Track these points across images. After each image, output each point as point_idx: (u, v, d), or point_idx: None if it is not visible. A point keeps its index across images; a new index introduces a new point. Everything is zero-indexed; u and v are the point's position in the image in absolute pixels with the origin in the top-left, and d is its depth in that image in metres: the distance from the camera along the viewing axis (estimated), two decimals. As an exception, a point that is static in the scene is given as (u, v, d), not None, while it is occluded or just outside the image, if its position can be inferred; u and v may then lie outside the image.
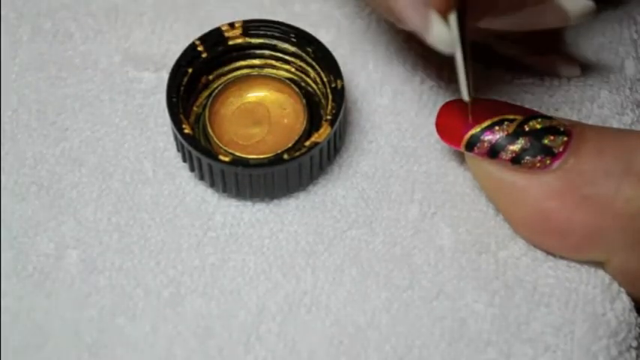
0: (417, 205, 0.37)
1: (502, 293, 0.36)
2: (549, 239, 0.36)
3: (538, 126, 0.35)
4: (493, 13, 0.34)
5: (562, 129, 0.35)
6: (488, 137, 0.35)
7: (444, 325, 0.35)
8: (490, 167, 0.36)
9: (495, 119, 0.35)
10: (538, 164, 0.35)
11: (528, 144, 0.35)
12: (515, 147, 0.35)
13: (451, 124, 0.36)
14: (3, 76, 0.40)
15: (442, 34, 0.30)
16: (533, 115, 0.36)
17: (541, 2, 0.34)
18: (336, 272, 0.36)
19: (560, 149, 0.35)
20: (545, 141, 0.35)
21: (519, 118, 0.35)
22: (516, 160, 0.35)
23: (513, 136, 0.35)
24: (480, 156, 0.36)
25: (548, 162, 0.35)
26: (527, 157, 0.35)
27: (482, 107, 0.36)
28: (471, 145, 0.36)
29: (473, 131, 0.35)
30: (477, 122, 0.35)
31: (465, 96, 0.33)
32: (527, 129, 0.35)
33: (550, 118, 0.36)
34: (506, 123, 0.35)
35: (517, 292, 0.36)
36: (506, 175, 0.35)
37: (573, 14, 0.35)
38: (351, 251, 0.37)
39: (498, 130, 0.35)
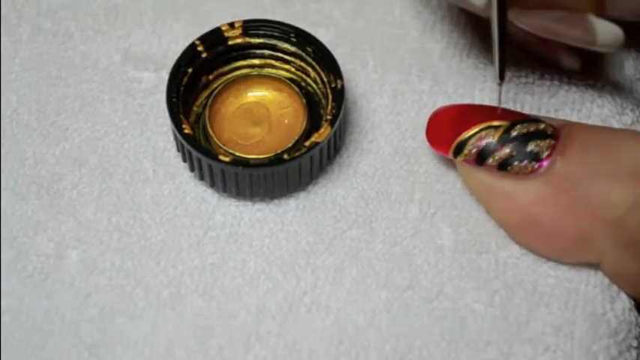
0: (417, 205, 0.37)
1: (502, 293, 0.36)
2: (540, 244, 0.36)
3: (524, 131, 0.35)
4: (523, 5, 0.34)
5: (549, 132, 0.35)
6: (476, 144, 0.35)
7: (444, 325, 0.35)
8: (479, 173, 0.36)
9: (482, 126, 0.35)
10: (525, 170, 0.35)
11: (514, 150, 0.35)
12: (502, 153, 0.35)
13: (439, 131, 0.36)
14: (3, 76, 0.40)
15: None
16: (520, 120, 0.35)
17: (571, 9, 0.34)
18: (336, 272, 0.36)
19: (547, 153, 0.35)
20: (532, 146, 0.35)
21: (505, 124, 0.35)
22: (503, 166, 0.35)
23: (499, 143, 0.35)
24: (467, 163, 0.36)
25: (535, 167, 0.35)
26: (514, 163, 0.35)
27: (470, 113, 0.36)
28: (458, 152, 0.36)
29: (460, 138, 0.36)
30: (464, 129, 0.35)
31: (497, 77, 0.33)
32: (513, 135, 0.35)
33: (537, 121, 0.35)
34: (492, 129, 0.35)
35: (517, 292, 0.36)
36: (495, 181, 0.35)
37: (602, 39, 0.34)
38: (351, 251, 0.37)
39: (485, 137, 0.35)
